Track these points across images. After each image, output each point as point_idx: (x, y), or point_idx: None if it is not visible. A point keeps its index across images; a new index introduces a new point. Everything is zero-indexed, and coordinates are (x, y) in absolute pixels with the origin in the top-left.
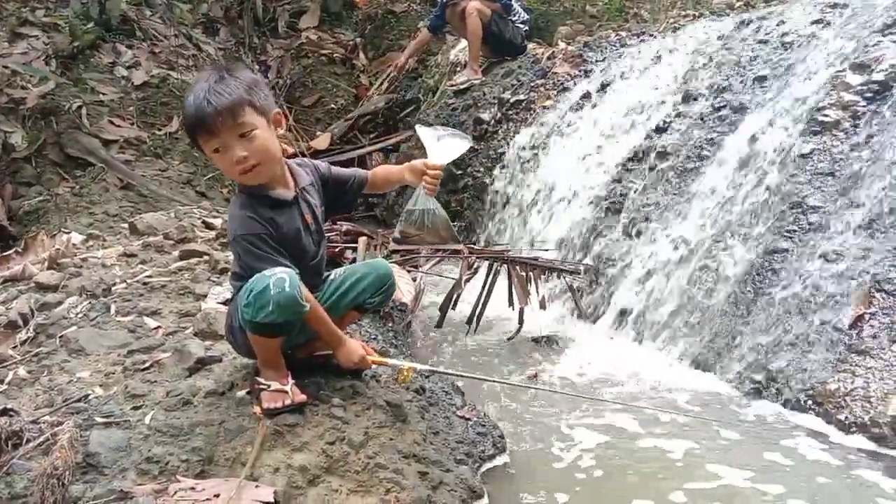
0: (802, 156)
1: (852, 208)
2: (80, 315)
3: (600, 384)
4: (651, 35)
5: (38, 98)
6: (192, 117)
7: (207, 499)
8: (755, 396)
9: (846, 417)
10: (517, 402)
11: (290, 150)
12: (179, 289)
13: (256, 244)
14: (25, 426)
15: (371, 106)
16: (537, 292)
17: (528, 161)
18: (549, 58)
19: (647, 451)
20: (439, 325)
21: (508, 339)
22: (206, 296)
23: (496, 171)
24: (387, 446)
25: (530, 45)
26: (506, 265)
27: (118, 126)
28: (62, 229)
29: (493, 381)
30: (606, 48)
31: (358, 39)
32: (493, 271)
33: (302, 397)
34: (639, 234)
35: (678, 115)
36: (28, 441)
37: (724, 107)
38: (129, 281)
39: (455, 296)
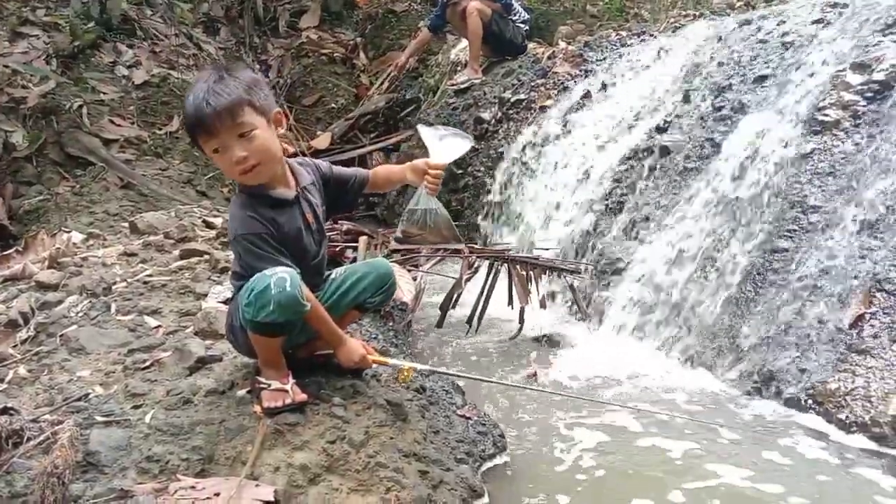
0: (803, 155)
1: (853, 208)
2: (80, 314)
3: (600, 384)
4: (651, 35)
5: (39, 97)
6: (191, 117)
7: (208, 498)
8: (755, 396)
9: (847, 417)
10: (517, 401)
11: (291, 149)
12: (180, 288)
13: (257, 244)
14: (26, 425)
15: (371, 105)
16: (538, 292)
17: (529, 161)
18: (549, 57)
19: (647, 451)
20: (440, 324)
21: (511, 338)
22: (206, 295)
23: (497, 171)
24: (387, 445)
25: (531, 45)
26: (506, 265)
27: (119, 125)
28: (62, 228)
29: (493, 382)
30: (607, 48)
31: (358, 39)
32: (493, 271)
33: (302, 396)
34: (639, 233)
35: (678, 115)
36: (28, 440)
37: (725, 106)
38: (129, 280)
39: (456, 295)
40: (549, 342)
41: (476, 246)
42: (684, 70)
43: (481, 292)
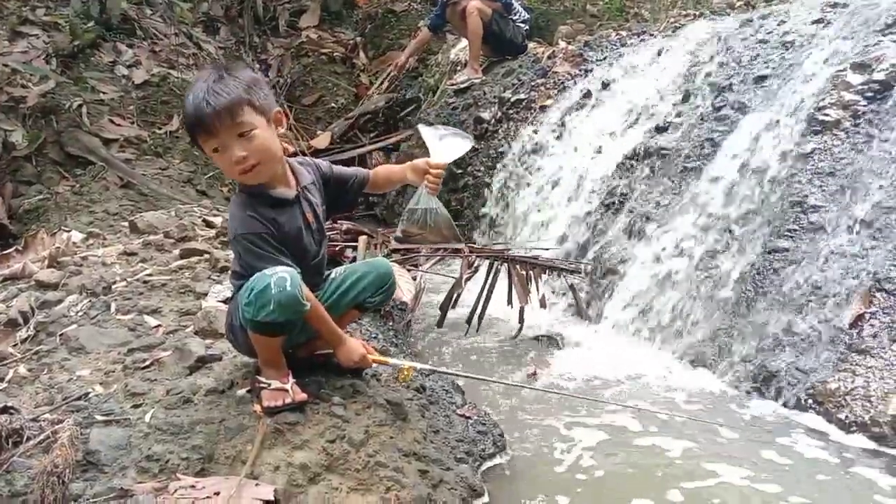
0: (803, 155)
1: (853, 208)
2: (80, 313)
3: (600, 383)
4: (651, 34)
5: (39, 97)
6: (191, 117)
7: (208, 497)
8: (755, 396)
9: (846, 416)
10: (517, 400)
11: (291, 148)
12: (180, 287)
13: (257, 243)
14: (26, 424)
15: (371, 105)
16: (537, 291)
17: (529, 160)
18: (549, 57)
19: (647, 450)
20: (440, 324)
21: (513, 337)
22: (206, 294)
23: (496, 170)
24: (387, 445)
25: (531, 45)
26: (506, 264)
27: (118, 125)
28: (62, 228)
29: (493, 382)
30: (607, 47)
31: (358, 38)
32: (493, 270)
33: (302, 396)
34: (639, 233)
35: (678, 115)
36: (28, 439)
37: (725, 106)
38: (129, 279)
39: (455, 295)
40: (549, 342)
41: (476, 245)
42: (684, 70)
43: (481, 292)
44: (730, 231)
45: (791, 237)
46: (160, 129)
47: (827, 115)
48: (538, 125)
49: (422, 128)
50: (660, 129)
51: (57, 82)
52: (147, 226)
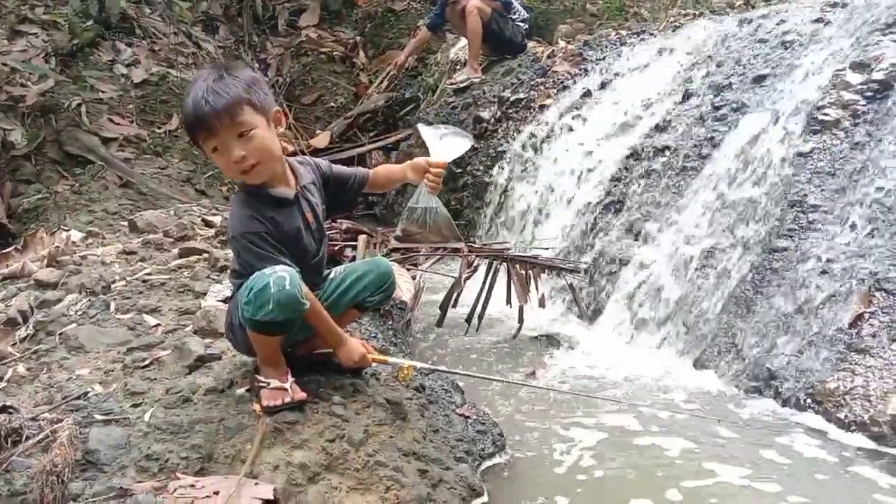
0: (802, 155)
1: (852, 207)
2: (79, 312)
3: (600, 382)
4: (651, 34)
5: (38, 96)
6: (190, 117)
7: (207, 496)
8: (754, 395)
9: (846, 416)
10: (517, 400)
11: (290, 148)
12: (179, 286)
13: (257, 243)
14: (25, 423)
15: (371, 104)
16: (537, 291)
17: (528, 160)
18: (549, 56)
19: (646, 450)
20: (439, 323)
21: (512, 337)
22: (205, 293)
23: (496, 170)
24: (387, 444)
25: (530, 44)
26: (505, 263)
27: (118, 124)
28: (62, 227)
29: (493, 380)
30: (606, 47)
31: (358, 38)
32: (492, 270)
33: (302, 395)
34: (639, 232)
35: (678, 114)
36: (27, 438)
37: (724, 105)
38: (128, 278)
39: (455, 294)
40: (549, 341)
41: (475, 245)
42: (684, 69)
43: (481, 291)
44: (729, 230)
45: (790, 237)
46: (159, 128)
47: (826, 114)
48: (538, 124)
49: (421, 127)
50: (659, 129)
51: (56, 81)
52: (146, 225)
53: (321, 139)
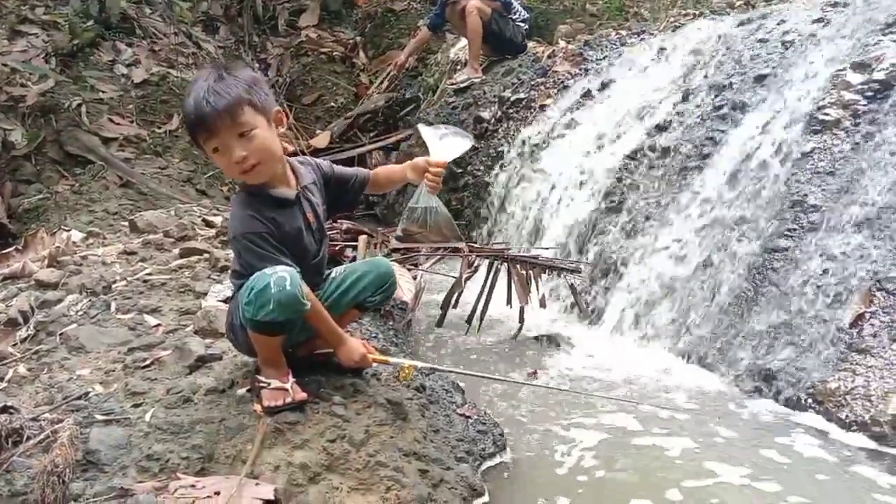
0: (803, 154)
1: (853, 207)
2: (80, 313)
3: (600, 382)
4: (651, 34)
5: (38, 96)
6: (191, 117)
7: (208, 496)
8: (755, 395)
9: (846, 416)
10: (518, 400)
11: (291, 148)
12: (180, 286)
13: (258, 243)
14: (26, 423)
15: (371, 104)
16: (537, 291)
17: (529, 159)
18: (549, 56)
19: (646, 450)
20: (439, 323)
21: (513, 337)
22: (206, 294)
23: (496, 170)
24: (387, 444)
25: (530, 44)
26: (506, 263)
27: (118, 124)
28: (62, 227)
29: (494, 379)
30: (607, 47)
31: (358, 38)
32: (493, 270)
33: (302, 395)
34: (639, 232)
35: (679, 114)
36: (28, 438)
37: (725, 105)
38: (129, 279)
39: (456, 294)
40: (549, 341)
41: (476, 245)
42: (684, 69)
43: (481, 291)
44: (730, 230)
45: (791, 236)
46: (160, 128)
47: (827, 114)
48: (538, 124)
49: (422, 127)
50: (660, 129)
51: (56, 81)
52: (147, 225)
53: (321, 139)
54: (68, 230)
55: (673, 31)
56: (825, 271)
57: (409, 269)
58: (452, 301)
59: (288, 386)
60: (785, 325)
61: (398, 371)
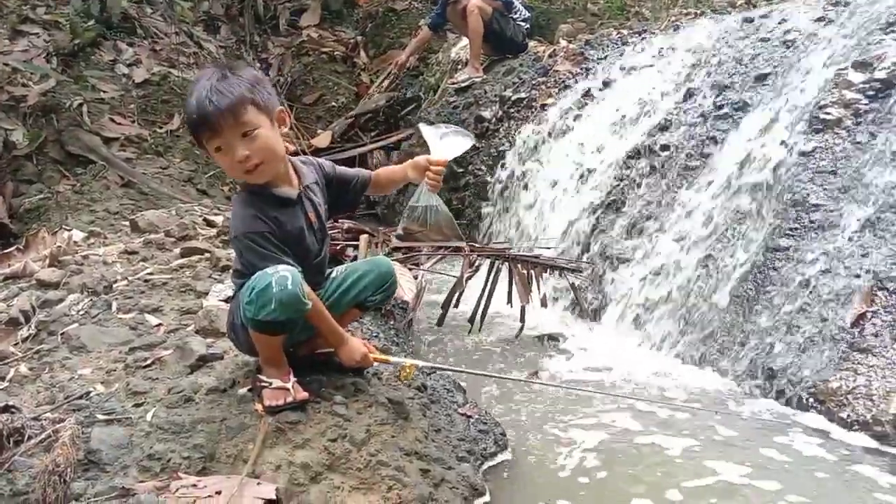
0: (804, 154)
1: (854, 206)
2: (81, 312)
3: (601, 381)
4: (652, 33)
5: (39, 96)
6: (193, 116)
7: (209, 496)
8: (756, 394)
9: (848, 415)
10: (519, 399)
11: (292, 147)
12: (181, 286)
13: (259, 242)
14: (27, 423)
15: (372, 104)
16: (538, 290)
17: (529, 159)
18: (550, 56)
19: (647, 449)
20: (440, 323)
21: (515, 337)
22: (207, 293)
23: (497, 169)
24: (389, 444)
25: (531, 43)
26: (507, 263)
27: (119, 124)
28: (63, 227)
29: (495, 377)
30: (608, 46)
31: (359, 37)
32: (494, 269)
33: (304, 395)
34: (640, 231)
35: (680, 113)
36: (30, 438)
37: (726, 105)
38: (130, 278)
39: (457, 294)
40: (550, 341)
41: (477, 244)
42: (685, 68)
43: (482, 291)
44: (731, 229)
45: (792, 236)
46: (161, 127)
47: (828, 113)
48: (539, 123)
49: (423, 126)
50: (661, 128)
51: (57, 81)
52: (148, 224)
53: (322, 139)
54: (69, 230)
55: (674, 30)
56: (826, 270)
57: (409, 269)
58: (453, 301)
59: (289, 385)
60: (786, 324)
61: (399, 370)
